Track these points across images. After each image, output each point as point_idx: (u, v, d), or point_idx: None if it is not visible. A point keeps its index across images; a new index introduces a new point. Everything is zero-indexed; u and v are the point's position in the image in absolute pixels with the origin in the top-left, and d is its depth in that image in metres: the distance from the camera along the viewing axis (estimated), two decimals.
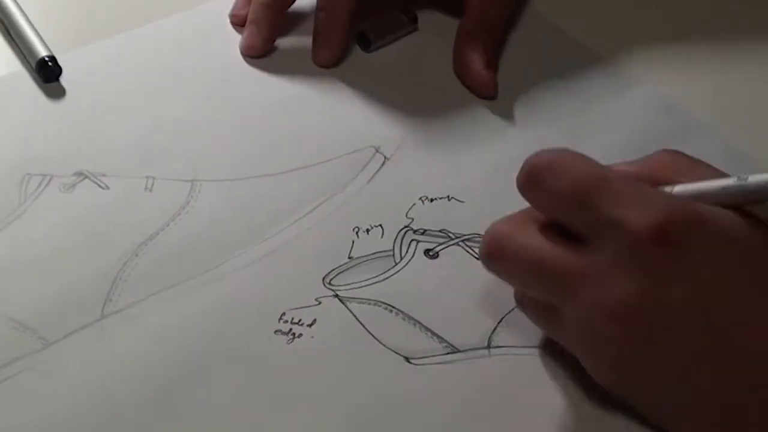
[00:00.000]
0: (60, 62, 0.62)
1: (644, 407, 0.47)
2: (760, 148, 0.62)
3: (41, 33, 0.64)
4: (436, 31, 0.69)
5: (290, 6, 0.66)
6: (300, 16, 0.68)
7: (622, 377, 0.47)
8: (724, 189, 0.46)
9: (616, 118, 0.64)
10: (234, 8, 0.68)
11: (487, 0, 0.67)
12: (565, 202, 0.47)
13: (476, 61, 0.65)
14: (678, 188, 0.47)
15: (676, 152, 0.50)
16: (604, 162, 0.49)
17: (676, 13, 0.72)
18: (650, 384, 0.46)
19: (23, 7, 0.65)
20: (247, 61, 0.66)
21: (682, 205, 0.45)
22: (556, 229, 0.47)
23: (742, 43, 0.71)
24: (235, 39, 0.67)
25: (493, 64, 0.65)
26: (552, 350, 0.51)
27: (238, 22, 0.67)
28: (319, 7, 0.65)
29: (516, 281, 0.49)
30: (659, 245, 0.44)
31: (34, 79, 0.63)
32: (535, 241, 0.47)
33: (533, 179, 0.48)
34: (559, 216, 0.47)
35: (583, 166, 0.47)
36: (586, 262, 0.45)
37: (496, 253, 0.48)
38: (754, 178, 0.44)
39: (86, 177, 0.57)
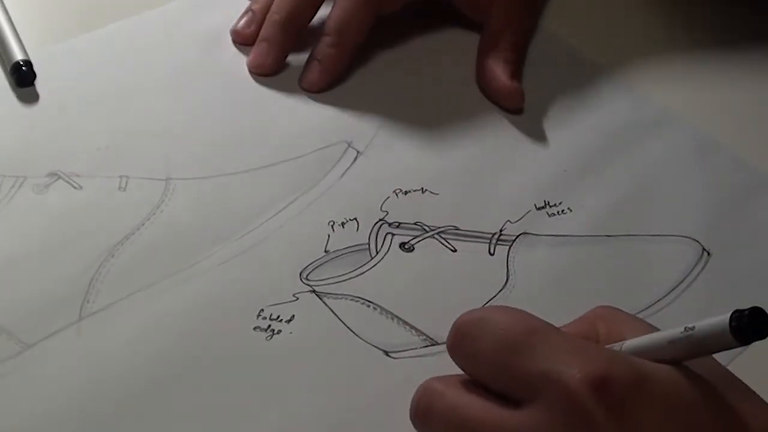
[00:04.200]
0: (34, 62, 0.62)
1: None
2: None
3: (25, 27, 0.64)
4: (412, 31, 0.69)
5: (305, 27, 0.66)
6: None
7: None
8: (671, 342, 0.41)
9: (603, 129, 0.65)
10: (238, 25, 0.67)
11: (510, 13, 0.67)
12: (490, 364, 0.42)
13: (500, 73, 0.64)
14: (622, 344, 0.43)
15: (612, 307, 0.46)
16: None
17: (681, 27, 0.72)
18: None
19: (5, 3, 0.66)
20: (217, 59, 0.66)
21: (624, 361, 0.40)
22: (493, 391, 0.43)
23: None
24: (204, 36, 0.67)
25: (517, 75, 0.65)
26: None
27: (242, 40, 0.67)
28: (327, 32, 0.64)
29: None
30: (599, 401, 0.39)
31: (7, 80, 0.62)
32: (464, 401, 0.42)
33: (459, 342, 0.43)
34: (489, 380, 0.42)
35: (510, 321, 0.42)
36: (520, 421, 0.40)
37: (424, 412, 0.43)
38: (701, 326, 0.40)
39: (60, 177, 0.57)
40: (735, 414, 0.41)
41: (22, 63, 0.62)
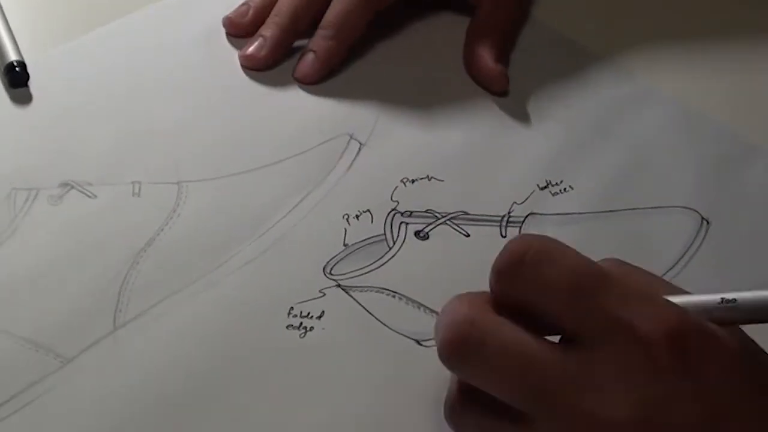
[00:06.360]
0: (32, 65, 0.62)
1: None
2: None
3: (24, 29, 0.64)
4: (406, 17, 0.70)
5: (305, 29, 0.66)
6: None
7: None
8: (722, 305, 0.42)
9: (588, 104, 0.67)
10: (234, 14, 0.67)
11: None
12: (563, 295, 0.41)
13: (486, 57, 0.65)
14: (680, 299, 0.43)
15: (620, 261, 0.46)
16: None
17: (672, 9, 0.74)
18: None
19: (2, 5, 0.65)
20: (214, 56, 0.66)
21: (692, 315, 0.41)
22: (529, 321, 0.42)
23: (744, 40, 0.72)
24: (202, 32, 0.67)
25: (502, 60, 0.66)
26: None
27: (236, 32, 0.67)
28: (325, 25, 0.65)
29: (499, 382, 0.41)
30: (674, 354, 0.39)
31: (4, 86, 0.62)
32: (522, 335, 0.41)
33: (524, 265, 0.42)
34: (552, 309, 0.41)
35: (580, 258, 0.42)
36: (585, 366, 0.40)
37: (476, 348, 0.41)
38: (740, 295, 0.41)
39: (72, 187, 0.57)
40: None
41: (15, 64, 0.62)
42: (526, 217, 0.59)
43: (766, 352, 0.43)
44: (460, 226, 0.58)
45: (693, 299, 0.43)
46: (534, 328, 0.42)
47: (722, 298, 0.41)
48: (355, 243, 0.56)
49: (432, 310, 0.53)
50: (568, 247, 0.43)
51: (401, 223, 0.58)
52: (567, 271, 0.41)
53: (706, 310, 0.42)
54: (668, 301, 0.42)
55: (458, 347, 0.42)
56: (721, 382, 0.40)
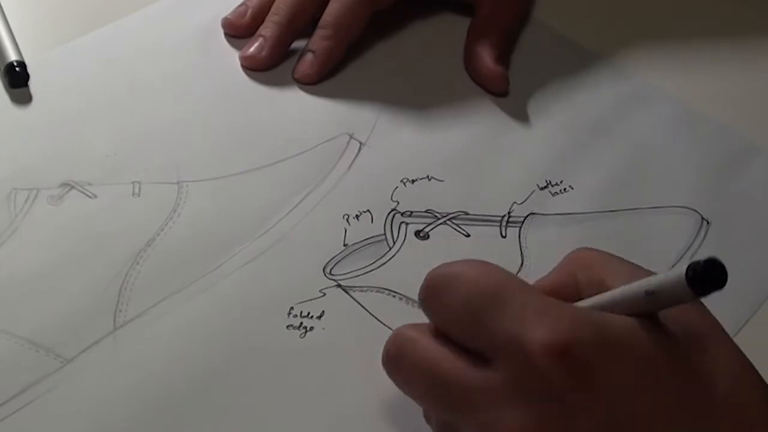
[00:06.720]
0: (32, 65, 0.62)
1: None
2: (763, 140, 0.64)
3: (23, 32, 0.64)
4: (405, 17, 0.70)
5: (304, 29, 0.66)
6: None
7: None
8: (634, 298, 0.41)
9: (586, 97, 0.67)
10: (233, 15, 0.68)
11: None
12: (459, 320, 0.42)
13: (486, 58, 0.65)
14: (593, 300, 0.43)
15: (590, 249, 0.47)
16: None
17: (669, 9, 0.74)
18: None
19: (3, 6, 0.66)
20: (214, 56, 0.66)
21: (588, 322, 0.40)
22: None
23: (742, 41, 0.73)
24: (201, 32, 0.67)
25: (503, 60, 0.66)
26: None
27: (235, 32, 0.67)
28: (323, 25, 0.65)
29: (414, 393, 0.45)
30: (561, 367, 0.39)
31: (4, 86, 0.62)
32: (434, 352, 0.43)
33: (430, 295, 0.44)
34: (457, 335, 0.43)
35: (481, 278, 0.42)
36: (484, 381, 0.41)
37: (395, 360, 0.44)
38: (657, 282, 0.40)
39: (72, 187, 0.57)
40: (696, 371, 0.41)
41: (15, 64, 0.62)
42: (526, 217, 0.59)
43: (690, 353, 0.41)
44: (460, 226, 0.58)
45: (622, 291, 0.42)
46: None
47: (645, 291, 0.41)
48: (355, 243, 0.56)
49: None
50: (477, 265, 0.43)
51: (401, 223, 0.58)
52: (462, 296, 0.42)
53: (630, 305, 0.41)
54: (565, 310, 0.41)
55: (386, 359, 0.45)
56: (614, 387, 0.39)
